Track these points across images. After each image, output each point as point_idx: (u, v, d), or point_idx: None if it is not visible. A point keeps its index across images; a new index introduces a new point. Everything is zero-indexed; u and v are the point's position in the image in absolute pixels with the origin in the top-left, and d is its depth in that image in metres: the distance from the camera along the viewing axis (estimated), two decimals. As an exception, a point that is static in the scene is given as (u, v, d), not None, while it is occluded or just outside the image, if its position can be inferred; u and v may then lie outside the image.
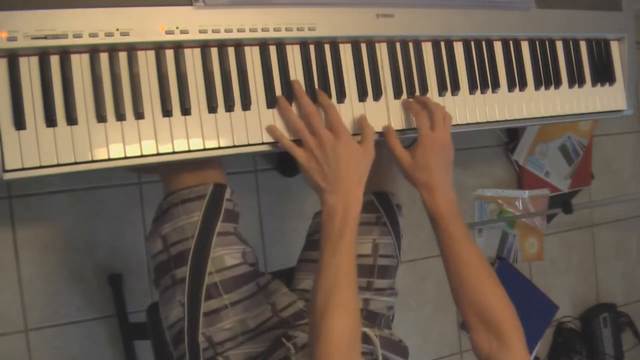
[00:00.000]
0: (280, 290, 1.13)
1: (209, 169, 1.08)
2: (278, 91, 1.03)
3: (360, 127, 1.05)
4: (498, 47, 1.23)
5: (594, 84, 1.35)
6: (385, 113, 1.11)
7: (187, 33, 0.96)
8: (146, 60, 0.95)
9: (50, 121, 0.88)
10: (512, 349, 0.96)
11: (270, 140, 1.02)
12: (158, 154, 0.95)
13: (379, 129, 1.09)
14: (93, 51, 0.91)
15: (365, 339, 1.08)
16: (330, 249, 0.94)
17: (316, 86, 1.05)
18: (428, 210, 1.07)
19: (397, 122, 1.12)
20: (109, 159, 0.91)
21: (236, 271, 1.05)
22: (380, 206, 1.20)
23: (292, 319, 1.09)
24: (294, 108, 1.03)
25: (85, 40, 0.89)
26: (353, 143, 1.00)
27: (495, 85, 1.22)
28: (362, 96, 1.09)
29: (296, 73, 1.05)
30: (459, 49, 1.19)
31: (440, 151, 1.07)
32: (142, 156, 0.93)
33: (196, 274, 1.03)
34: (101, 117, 0.91)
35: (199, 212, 1.04)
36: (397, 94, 1.12)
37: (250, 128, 1.00)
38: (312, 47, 1.06)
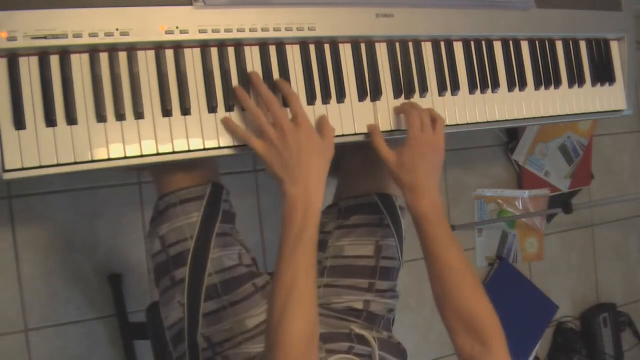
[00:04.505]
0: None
1: (205, 169, 1.08)
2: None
3: (320, 126, 1.02)
4: (498, 47, 1.23)
5: (594, 84, 1.35)
6: (387, 113, 1.11)
7: (187, 33, 0.96)
8: (146, 60, 0.94)
9: (50, 121, 0.88)
10: (495, 354, 0.96)
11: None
12: (158, 154, 0.95)
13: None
14: (93, 51, 0.91)
15: (364, 341, 1.08)
16: (291, 246, 0.90)
17: (317, 86, 1.05)
18: (411, 212, 1.06)
19: (397, 122, 1.12)
20: (109, 159, 0.91)
21: (234, 272, 1.05)
22: (384, 208, 1.20)
23: None
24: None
25: (85, 40, 0.89)
26: (315, 134, 0.97)
27: (495, 85, 1.22)
28: (362, 96, 1.09)
29: (296, 73, 1.04)
30: (458, 49, 1.19)
31: (428, 153, 1.05)
32: (142, 156, 0.93)
33: (196, 275, 1.03)
34: (101, 117, 0.91)
35: (198, 212, 1.04)
36: (397, 94, 1.12)
37: (250, 128, 1.00)
38: (312, 47, 1.06)
